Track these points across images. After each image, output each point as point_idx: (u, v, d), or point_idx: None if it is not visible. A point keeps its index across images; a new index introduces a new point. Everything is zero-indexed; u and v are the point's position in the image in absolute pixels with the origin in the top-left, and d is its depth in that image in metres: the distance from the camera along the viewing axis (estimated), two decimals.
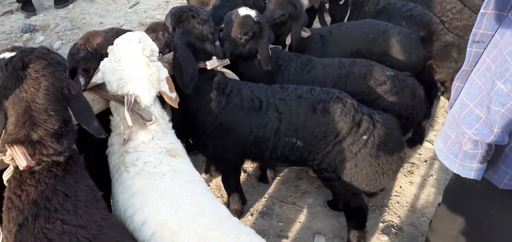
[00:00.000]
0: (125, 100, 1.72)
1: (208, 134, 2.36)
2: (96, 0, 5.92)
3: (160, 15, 5.47)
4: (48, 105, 1.50)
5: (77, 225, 1.39)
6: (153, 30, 2.89)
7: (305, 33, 2.97)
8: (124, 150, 1.76)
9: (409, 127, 2.82)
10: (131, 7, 5.74)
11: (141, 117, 1.76)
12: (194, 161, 3.11)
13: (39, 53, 1.57)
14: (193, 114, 2.35)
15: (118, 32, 2.18)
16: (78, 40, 2.11)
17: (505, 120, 1.19)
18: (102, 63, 1.85)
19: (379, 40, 3.04)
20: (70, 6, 5.71)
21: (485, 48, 1.35)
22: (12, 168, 1.49)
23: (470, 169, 1.42)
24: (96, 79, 1.85)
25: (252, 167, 3.21)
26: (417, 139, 3.49)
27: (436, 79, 3.29)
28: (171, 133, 1.92)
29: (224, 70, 2.35)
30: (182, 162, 1.80)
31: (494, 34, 1.33)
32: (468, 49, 1.42)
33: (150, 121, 1.78)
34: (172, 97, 1.88)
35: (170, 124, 1.96)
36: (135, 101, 1.77)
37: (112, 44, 1.87)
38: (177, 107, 1.88)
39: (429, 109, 3.44)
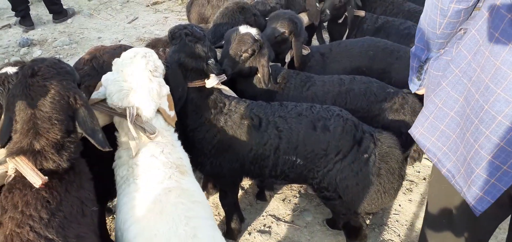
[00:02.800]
0: (127, 113, 1.71)
1: (207, 152, 2.33)
2: (95, 15, 5.93)
3: (159, 31, 5.48)
4: (53, 114, 1.50)
5: (43, 236, 1.36)
6: (153, 46, 2.88)
7: (305, 51, 2.97)
8: (134, 162, 1.73)
9: (409, 144, 2.80)
10: (129, 23, 5.75)
11: (144, 130, 1.74)
12: None
13: (49, 62, 1.59)
14: (191, 132, 2.32)
15: (126, 49, 2.19)
16: (85, 54, 2.11)
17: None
18: (104, 76, 1.84)
19: (379, 58, 3.05)
20: (69, 20, 5.72)
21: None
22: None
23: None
24: (98, 94, 1.84)
25: (250, 184, 3.18)
26: (416, 156, 3.47)
27: None
28: (179, 146, 1.90)
29: (222, 87, 2.33)
30: (190, 181, 1.77)
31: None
32: None
33: (153, 134, 1.75)
34: (170, 115, 1.85)
35: (176, 135, 1.94)
36: (137, 114, 1.75)
37: (112, 57, 1.87)
38: (173, 125, 1.86)
39: None
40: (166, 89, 1.79)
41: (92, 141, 1.58)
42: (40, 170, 1.46)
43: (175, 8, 6.21)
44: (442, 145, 1.55)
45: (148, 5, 6.30)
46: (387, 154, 2.24)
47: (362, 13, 3.51)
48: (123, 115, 1.73)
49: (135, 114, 1.71)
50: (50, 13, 5.64)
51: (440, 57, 1.67)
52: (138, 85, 1.74)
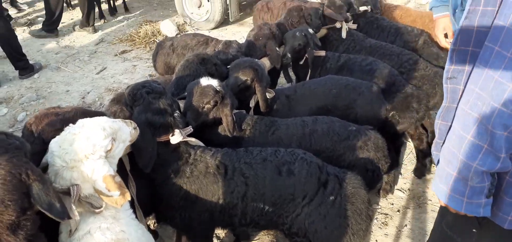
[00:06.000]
0: (71, 192, 1.65)
1: (175, 205, 2.30)
2: (62, 68, 5.88)
3: (128, 80, 5.47)
4: (5, 195, 1.43)
5: None
6: (118, 101, 2.87)
7: (270, 94, 3.01)
8: (70, 241, 1.67)
9: (377, 179, 2.84)
10: (98, 73, 5.71)
11: (91, 205, 1.69)
12: (165, 231, 3.04)
13: None
14: (158, 186, 2.30)
15: (82, 112, 2.15)
16: (31, 119, 2.06)
17: (510, 143, 1.20)
18: (51, 143, 1.78)
19: (342, 95, 3.12)
20: (36, 75, 5.64)
21: (466, 82, 1.39)
22: None
23: (479, 206, 1.36)
24: (45, 158, 1.78)
25: (225, 233, 3.13)
26: (388, 188, 3.52)
27: (399, 129, 3.37)
28: (124, 218, 1.83)
29: (188, 138, 2.33)
30: None
31: (465, 69, 1.39)
32: (444, 86, 1.47)
33: (100, 208, 1.71)
34: (112, 195, 1.70)
35: (126, 206, 1.88)
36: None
37: (56, 129, 1.82)
38: (119, 207, 1.75)
39: (396, 159, 3.50)
40: (102, 171, 1.72)
41: (50, 215, 1.52)
42: None
43: (143, 56, 6.22)
44: None
45: (116, 55, 6.29)
46: (353, 195, 2.26)
47: (322, 53, 3.60)
48: (66, 193, 1.68)
49: (78, 193, 1.66)
50: (16, 69, 5.55)
51: None
52: (71, 165, 1.69)
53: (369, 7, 4.48)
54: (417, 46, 4.03)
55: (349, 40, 4.01)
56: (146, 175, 2.23)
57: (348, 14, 4.16)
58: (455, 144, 1.36)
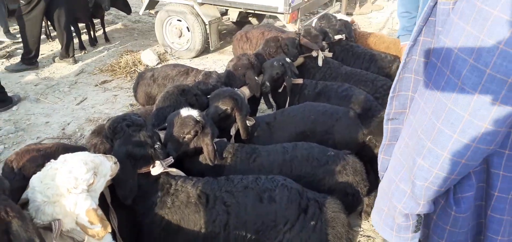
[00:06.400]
0: (53, 227, 1.66)
1: (156, 236, 2.31)
2: (42, 100, 5.82)
3: (108, 110, 5.45)
4: None
5: None
6: (98, 133, 2.89)
7: (250, 122, 3.08)
8: None
9: (357, 203, 2.91)
10: (78, 104, 5.68)
11: (73, 240, 1.70)
12: None
13: None
14: (139, 217, 2.31)
15: (63, 148, 2.15)
16: (12, 156, 2.06)
17: (430, 191, 1.25)
18: (32, 179, 1.79)
19: (320, 121, 3.21)
20: (14, 107, 5.56)
21: (403, 122, 1.46)
22: None
23: (406, 239, 1.47)
24: (26, 194, 1.79)
25: None
26: (369, 211, 3.58)
27: (377, 152, 3.47)
28: None
29: (169, 169, 2.35)
30: None
31: (406, 111, 1.45)
32: (384, 126, 1.54)
33: (82, 241, 1.72)
34: (94, 228, 1.73)
35: (108, 238, 1.89)
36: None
37: (37, 165, 1.83)
38: (101, 239, 1.77)
39: (376, 181, 3.57)
40: (85, 204, 1.74)
41: None
42: None
43: (124, 85, 6.23)
44: None
45: (97, 85, 6.28)
46: (333, 219, 2.32)
47: (300, 81, 3.71)
48: (47, 228, 1.69)
49: (60, 227, 1.67)
50: None
51: None
52: (53, 200, 1.71)
53: (343, 35, 4.65)
54: (391, 72, 4.20)
55: (325, 67, 4.14)
56: (128, 206, 2.24)
57: (323, 42, 4.31)
58: (386, 183, 1.47)
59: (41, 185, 1.71)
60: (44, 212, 1.69)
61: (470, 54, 1.02)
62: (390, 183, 1.43)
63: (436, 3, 1.24)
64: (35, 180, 1.74)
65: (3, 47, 7.91)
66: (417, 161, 1.24)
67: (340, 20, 4.86)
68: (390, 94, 1.48)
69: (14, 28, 8.00)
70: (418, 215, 1.41)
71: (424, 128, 1.21)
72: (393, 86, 1.48)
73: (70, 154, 1.85)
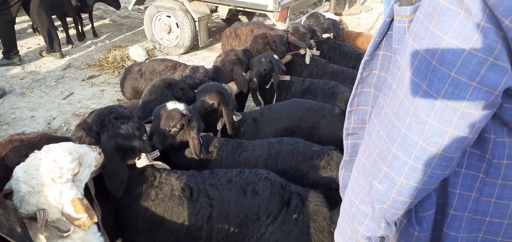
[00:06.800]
0: (38, 217, 1.66)
1: (140, 228, 2.31)
2: (27, 94, 5.77)
3: (95, 105, 5.42)
4: None
5: None
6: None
7: (237, 117, 3.10)
8: None
9: (339, 200, 2.93)
10: (64, 99, 5.64)
11: (58, 229, 1.70)
12: None
13: None
14: (123, 209, 2.31)
15: (47, 139, 2.14)
16: None
17: (389, 213, 1.20)
18: (16, 168, 1.78)
19: (306, 117, 3.25)
20: None
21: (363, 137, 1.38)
22: None
23: None
24: (9, 184, 1.78)
25: None
26: None
27: None
28: (93, 240, 1.85)
29: (154, 162, 2.36)
30: None
31: (366, 127, 1.38)
32: (344, 141, 1.47)
33: (67, 231, 1.72)
34: (80, 218, 1.73)
35: (94, 229, 1.89)
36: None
37: (20, 155, 1.82)
38: (87, 229, 1.78)
39: None
40: (70, 194, 1.74)
41: (11, 240, 1.52)
42: None
43: (111, 81, 6.19)
44: None
45: (84, 80, 6.24)
46: (315, 213, 2.35)
47: (287, 78, 3.75)
48: (32, 218, 1.69)
49: (45, 217, 1.68)
50: None
51: None
52: (38, 190, 1.72)
53: (331, 34, 4.70)
54: None
55: (312, 65, 4.18)
56: (111, 199, 2.24)
57: (311, 41, 4.35)
58: (347, 204, 1.41)
59: (25, 175, 1.70)
60: (29, 202, 1.69)
61: (423, 79, 0.99)
62: (351, 205, 1.36)
63: (392, 19, 1.20)
64: (19, 170, 1.74)
65: None
66: (374, 184, 1.19)
67: (328, 19, 4.90)
68: (348, 108, 1.42)
69: None
70: (381, 237, 1.34)
71: (379, 151, 1.17)
72: (350, 100, 1.41)
73: (54, 144, 1.85)
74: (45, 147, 1.81)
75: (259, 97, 4.18)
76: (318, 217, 2.34)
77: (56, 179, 1.71)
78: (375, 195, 1.21)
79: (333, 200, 2.69)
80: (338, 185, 2.75)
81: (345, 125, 1.45)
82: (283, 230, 2.29)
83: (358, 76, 1.36)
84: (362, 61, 1.34)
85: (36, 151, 1.80)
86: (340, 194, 1.61)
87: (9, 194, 1.75)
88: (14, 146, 2.01)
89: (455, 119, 0.97)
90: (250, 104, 4.77)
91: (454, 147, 1.01)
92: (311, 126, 3.23)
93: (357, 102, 1.40)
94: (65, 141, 1.97)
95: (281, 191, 2.34)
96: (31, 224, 1.71)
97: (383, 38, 1.28)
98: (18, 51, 6.75)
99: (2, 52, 6.65)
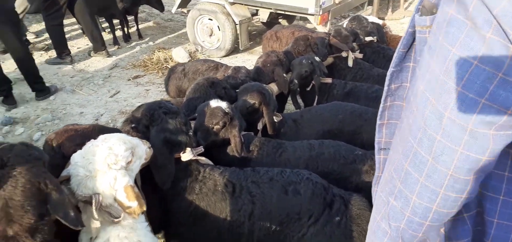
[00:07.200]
0: (93, 200, 1.75)
1: (183, 222, 2.37)
2: (77, 91, 6.06)
3: (140, 103, 5.59)
4: (25, 202, 1.53)
5: None
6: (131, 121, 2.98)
7: (277, 118, 3.11)
8: None
9: None
10: (111, 96, 5.87)
11: (109, 214, 1.78)
12: None
13: (17, 151, 1.62)
14: (168, 203, 2.38)
15: (100, 129, 2.25)
16: (51, 134, 2.17)
17: (406, 234, 1.13)
18: (73, 155, 1.89)
19: (348, 121, 3.20)
20: (51, 97, 5.81)
21: None
22: None
23: None
24: (67, 171, 1.88)
25: None
26: None
27: None
28: (141, 229, 1.92)
29: (198, 157, 2.41)
30: None
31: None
32: (376, 156, 1.40)
33: (118, 218, 1.80)
34: (130, 206, 1.80)
35: (142, 218, 1.96)
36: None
37: (75, 144, 1.93)
38: (136, 217, 1.86)
39: None
40: (123, 181, 1.81)
41: (65, 222, 1.61)
42: None
43: (155, 80, 6.39)
44: None
45: (129, 79, 6.47)
46: (358, 216, 2.31)
47: (329, 80, 3.71)
48: (88, 201, 1.78)
49: (100, 201, 1.76)
50: (32, 91, 5.74)
51: None
52: (94, 174, 1.79)
53: (375, 37, 4.61)
54: None
55: (356, 68, 4.13)
56: (155, 192, 2.31)
57: (354, 44, 4.29)
58: (371, 220, 1.35)
59: (83, 160, 1.81)
60: (86, 186, 1.78)
61: (432, 93, 0.93)
62: (373, 221, 1.31)
63: (414, 30, 1.12)
64: (77, 156, 1.85)
65: (42, 40, 8.26)
66: (390, 200, 1.13)
67: (371, 22, 4.82)
68: (378, 121, 1.34)
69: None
70: None
71: (396, 166, 1.11)
72: (380, 112, 1.33)
73: (109, 134, 1.95)
74: (102, 136, 1.91)
75: (300, 101, 4.17)
76: (362, 221, 2.30)
77: (111, 165, 1.79)
78: (390, 212, 1.15)
79: None
80: None
81: (376, 139, 1.38)
82: (325, 232, 2.26)
83: (385, 88, 1.29)
84: (388, 73, 1.27)
85: (92, 139, 1.89)
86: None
87: (66, 180, 1.86)
88: (69, 135, 2.12)
89: (464, 137, 0.89)
90: (289, 107, 4.77)
91: (467, 169, 0.93)
92: (353, 130, 3.19)
93: (388, 115, 1.33)
94: (116, 132, 2.07)
95: (324, 193, 2.32)
96: (85, 208, 1.81)
97: (408, 49, 1.19)
98: (70, 52, 7.12)
99: (56, 52, 7.04)
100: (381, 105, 1.32)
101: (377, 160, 1.40)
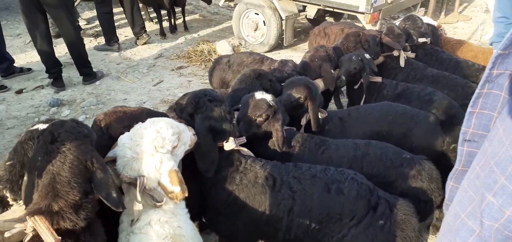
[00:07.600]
0: (138, 182, 1.74)
1: (222, 211, 2.33)
2: (122, 78, 6.20)
3: (182, 93, 5.64)
4: (72, 178, 1.55)
5: None
6: (174, 109, 2.98)
7: (322, 114, 3.00)
8: (131, 230, 1.75)
9: (428, 211, 2.71)
10: (154, 85, 5.97)
11: (152, 198, 1.76)
12: (206, 240, 3.05)
13: (68, 127, 1.65)
14: (207, 191, 2.34)
15: (147, 112, 2.26)
16: (101, 115, 2.18)
17: (501, 235, 1.04)
18: (121, 137, 1.89)
19: (398, 122, 3.06)
20: (97, 82, 6.00)
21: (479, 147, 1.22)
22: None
23: None
24: (113, 152, 1.88)
25: None
26: (439, 225, 3.34)
27: None
28: (182, 214, 1.89)
29: (240, 148, 2.36)
30: None
31: (486, 134, 1.21)
32: (459, 147, 1.30)
33: (161, 202, 1.77)
34: (173, 190, 1.79)
35: (182, 204, 1.93)
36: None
37: (123, 125, 1.94)
38: (178, 202, 1.84)
39: None
40: (168, 165, 1.80)
41: (106, 202, 1.61)
42: (57, 229, 1.51)
43: (198, 72, 6.44)
44: None
45: (173, 69, 6.56)
46: (403, 222, 2.18)
47: (378, 79, 3.55)
48: (132, 183, 1.77)
49: (144, 183, 1.74)
50: (80, 75, 5.95)
51: None
52: (141, 156, 1.78)
53: (428, 39, 4.37)
54: (477, 81, 3.86)
55: (408, 68, 3.93)
56: (195, 180, 2.27)
57: (406, 44, 4.09)
58: (451, 218, 1.24)
59: (131, 142, 1.81)
60: (132, 167, 1.79)
61: None
62: (456, 218, 1.20)
63: None
64: (125, 137, 1.85)
65: (92, 27, 8.56)
66: (487, 197, 1.04)
67: (426, 23, 4.58)
68: (469, 109, 1.24)
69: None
70: None
71: (498, 159, 1.01)
72: (473, 99, 1.23)
73: (157, 117, 1.94)
74: (150, 120, 1.91)
75: (342, 100, 4.02)
76: (407, 227, 2.17)
77: (158, 148, 1.78)
78: (486, 209, 1.04)
79: (420, 213, 2.47)
80: (429, 197, 2.57)
81: (462, 129, 1.26)
82: (367, 235, 2.15)
83: (486, 72, 1.17)
84: (493, 55, 1.14)
85: (140, 122, 1.88)
86: (444, 207, 1.44)
87: (111, 161, 1.86)
88: (118, 117, 2.13)
89: None
90: (331, 106, 4.63)
91: None
92: (403, 133, 3.03)
93: (482, 104, 1.21)
94: (164, 116, 2.06)
95: (368, 195, 2.20)
96: (128, 191, 1.80)
97: None
98: (118, 40, 7.33)
99: (105, 40, 7.28)
100: (476, 91, 1.21)
101: (460, 151, 1.30)
